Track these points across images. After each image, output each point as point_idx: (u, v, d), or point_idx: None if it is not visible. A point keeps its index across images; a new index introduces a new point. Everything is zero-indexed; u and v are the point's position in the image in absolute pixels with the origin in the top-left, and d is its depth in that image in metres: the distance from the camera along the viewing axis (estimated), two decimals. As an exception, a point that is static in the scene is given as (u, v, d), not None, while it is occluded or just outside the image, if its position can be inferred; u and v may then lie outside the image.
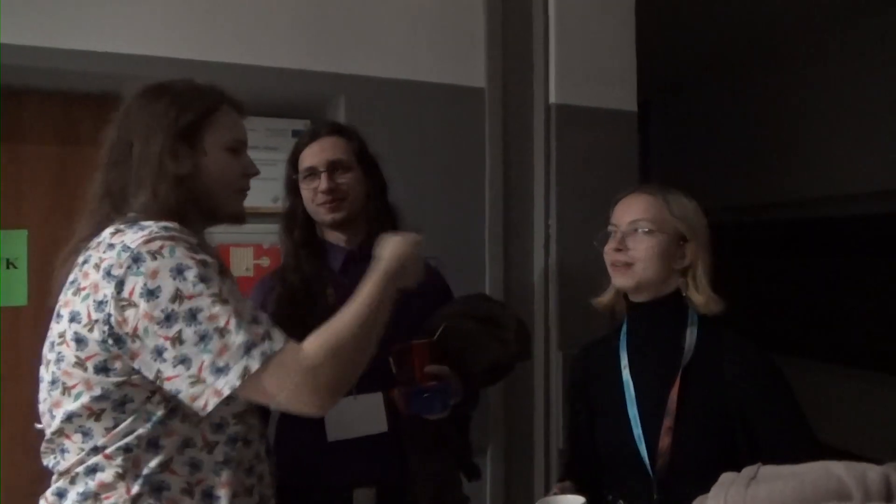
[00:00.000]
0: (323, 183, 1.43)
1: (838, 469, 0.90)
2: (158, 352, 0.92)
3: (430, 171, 1.58)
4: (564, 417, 1.97)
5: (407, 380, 1.33)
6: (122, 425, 0.96)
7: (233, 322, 0.93)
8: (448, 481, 1.52)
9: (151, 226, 0.97)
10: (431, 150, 1.62)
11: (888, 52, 3.76)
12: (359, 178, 1.47)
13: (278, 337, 0.97)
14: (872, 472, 0.88)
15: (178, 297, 0.92)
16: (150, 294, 0.92)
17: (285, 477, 1.29)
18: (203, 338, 0.92)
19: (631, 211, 1.32)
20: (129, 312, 0.92)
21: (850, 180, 3.99)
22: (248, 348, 0.93)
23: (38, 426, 1.04)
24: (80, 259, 1.01)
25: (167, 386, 0.94)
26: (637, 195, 1.34)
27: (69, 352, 0.96)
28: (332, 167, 1.45)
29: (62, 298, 1.00)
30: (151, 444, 0.97)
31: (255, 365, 0.93)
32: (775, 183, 4.49)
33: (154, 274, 0.92)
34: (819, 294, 4.33)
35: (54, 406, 0.98)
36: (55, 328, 0.99)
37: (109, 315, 0.92)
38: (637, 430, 1.27)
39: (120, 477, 0.96)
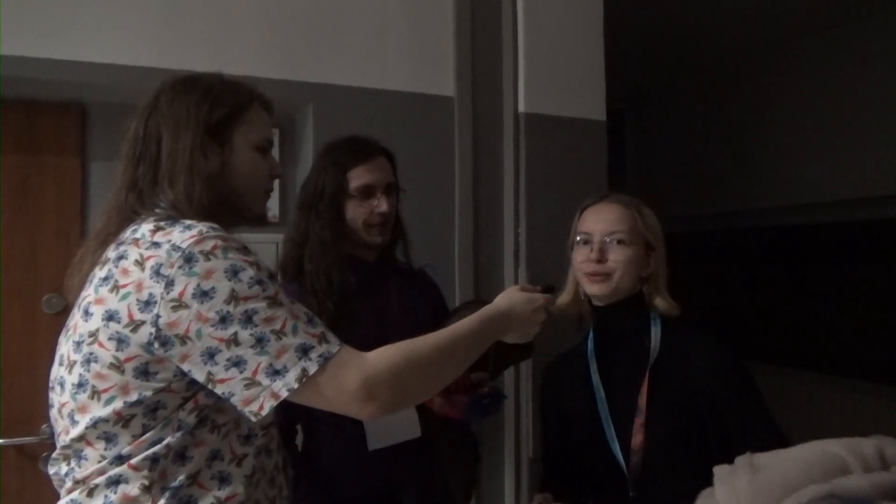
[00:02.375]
0: (383, 205, 1.45)
1: (835, 447, 0.95)
2: (210, 354, 0.89)
3: (399, 180, 1.58)
4: (535, 426, 1.97)
5: (455, 388, 1.36)
6: (150, 433, 0.92)
7: (289, 324, 0.92)
8: (474, 471, 1.67)
9: (199, 225, 0.94)
10: (400, 159, 1.62)
11: (854, 62, 3.85)
12: (398, 200, 1.53)
13: (334, 340, 0.95)
14: (866, 445, 0.94)
15: (233, 298, 0.90)
16: (204, 295, 0.89)
17: (325, 488, 1.34)
18: (260, 340, 0.90)
19: (605, 221, 1.36)
20: (181, 314, 0.89)
21: (817, 189, 4.06)
22: (305, 351, 0.91)
23: (45, 428, 0.99)
24: (113, 255, 0.96)
25: (219, 389, 0.91)
26: (609, 205, 1.38)
27: (105, 353, 0.91)
28: (389, 189, 1.48)
29: (91, 295, 0.95)
30: (179, 454, 0.93)
31: (313, 367, 0.91)
32: (745, 191, 4.55)
33: (208, 275, 0.90)
34: (790, 301, 4.39)
35: (79, 410, 0.93)
36: (83, 326, 0.94)
37: (158, 316, 0.89)
38: (610, 430, 1.31)
39: (146, 490, 0.91)
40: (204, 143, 1.03)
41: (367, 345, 0.97)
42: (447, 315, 1.44)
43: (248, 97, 1.10)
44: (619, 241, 1.34)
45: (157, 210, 1.00)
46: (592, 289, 1.36)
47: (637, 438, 1.27)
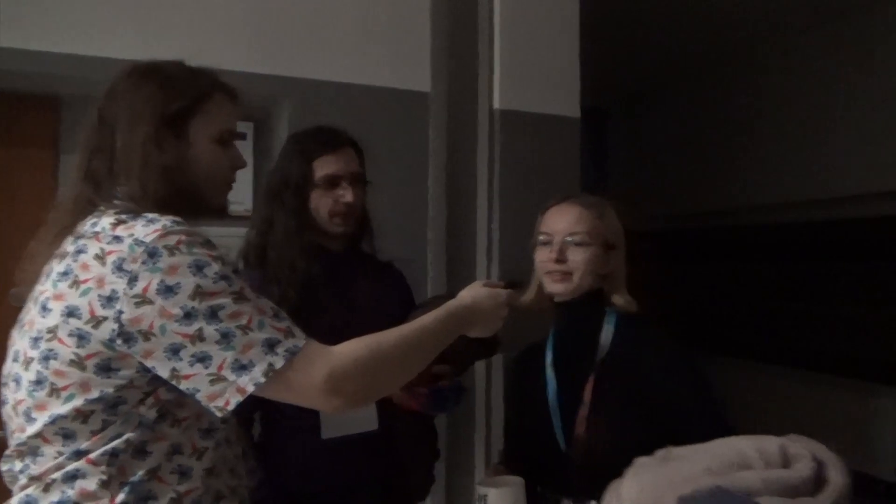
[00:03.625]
0: (348, 195, 1.46)
1: (741, 443, 1.00)
2: (175, 350, 0.88)
3: (373, 175, 1.59)
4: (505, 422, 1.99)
5: (417, 380, 1.37)
6: (110, 428, 0.91)
7: (255, 320, 0.91)
8: (431, 468, 1.66)
9: (162, 219, 0.93)
10: (375, 154, 1.63)
11: (836, 63, 3.89)
12: (363, 191, 1.52)
13: (300, 334, 0.95)
14: (770, 443, 0.99)
15: (198, 294, 0.89)
16: (169, 291, 0.88)
17: (281, 480, 1.34)
18: (225, 335, 0.89)
19: (566, 221, 1.39)
20: (145, 309, 0.87)
21: (800, 188, 4.11)
22: (271, 345, 0.91)
23: None
24: (71, 248, 0.94)
25: (183, 385, 0.90)
26: (570, 206, 1.42)
27: (65, 349, 0.89)
28: (355, 179, 1.48)
29: (48, 290, 0.93)
30: (139, 449, 0.92)
31: (279, 362, 0.90)
32: (728, 190, 4.60)
33: (173, 270, 0.88)
34: (768, 298, 4.45)
35: (36, 408, 0.91)
36: (40, 322, 0.92)
37: (121, 312, 0.88)
38: (557, 421, 1.35)
39: (104, 485, 0.90)
40: (160, 135, 1.00)
41: (331, 335, 0.98)
42: (414, 309, 1.46)
43: (210, 87, 1.07)
44: (579, 243, 1.37)
45: (115, 202, 0.98)
46: (553, 288, 1.40)
47: (579, 430, 1.32)
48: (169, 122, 1.01)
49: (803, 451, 0.99)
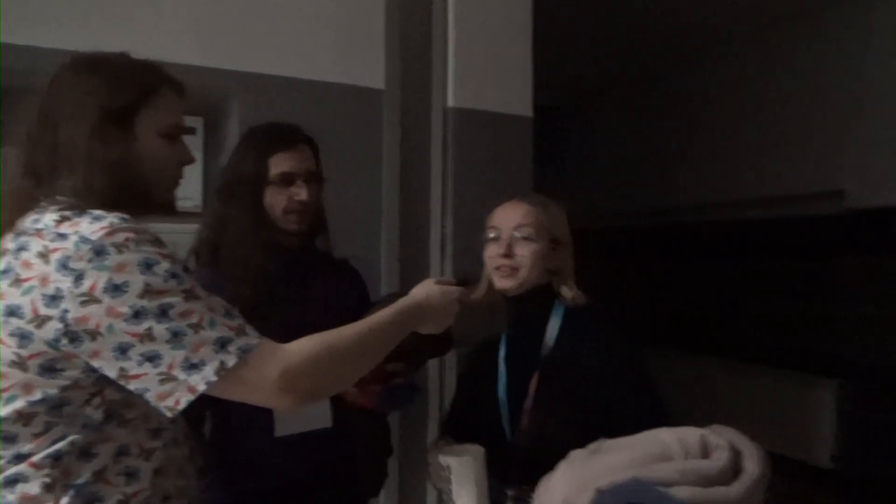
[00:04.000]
0: (303, 193, 1.44)
1: (664, 435, 1.05)
2: (123, 349, 0.86)
3: (326, 171, 1.58)
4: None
5: (370, 378, 1.37)
6: (54, 430, 0.88)
7: (207, 318, 0.90)
8: (384, 464, 1.68)
9: (109, 216, 0.90)
10: (327, 151, 1.61)
11: (780, 65, 4.03)
12: (318, 189, 1.51)
13: (253, 332, 0.93)
14: (692, 434, 1.04)
15: (147, 292, 0.87)
16: (117, 289, 0.86)
17: (233, 478, 1.34)
18: (176, 334, 0.87)
19: (513, 217, 1.43)
20: (91, 308, 0.85)
21: (743, 186, 4.25)
22: (223, 344, 0.89)
23: None
24: (11, 245, 0.91)
25: (132, 384, 0.88)
26: (516, 202, 1.46)
27: (5, 350, 0.87)
28: (310, 177, 1.46)
29: None
30: (84, 451, 0.90)
31: (231, 360, 0.89)
32: (675, 188, 4.73)
33: (121, 268, 0.86)
34: (714, 293, 4.59)
35: None
36: None
37: (66, 311, 0.85)
38: (505, 413, 1.39)
39: (48, 488, 0.88)
40: (105, 129, 0.97)
41: (286, 333, 0.98)
42: (369, 306, 1.46)
43: (156, 80, 1.04)
44: (526, 237, 1.41)
45: (57, 198, 0.96)
46: (501, 283, 1.43)
47: (524, 422, 1.36)
48: (114, 116, 0.99)
49: (722, 442, 1.05)
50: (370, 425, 1.57)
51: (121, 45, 1.13)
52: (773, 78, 4.03)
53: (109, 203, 0.95)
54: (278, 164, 1.44)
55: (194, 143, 1.95)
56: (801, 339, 4.02)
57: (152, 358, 0.87)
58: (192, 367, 0.88)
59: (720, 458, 1.01)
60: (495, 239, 1.44)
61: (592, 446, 1.10)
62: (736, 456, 1.04)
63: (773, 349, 4.15)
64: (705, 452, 1.04)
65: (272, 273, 1.41)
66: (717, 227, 4.60)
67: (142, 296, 0.87)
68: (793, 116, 3.91)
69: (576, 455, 1.10)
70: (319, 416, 1.43)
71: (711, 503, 0.95)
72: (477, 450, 1.25)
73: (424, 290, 1.21)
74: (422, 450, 2.07)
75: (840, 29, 3.68)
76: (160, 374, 0.87)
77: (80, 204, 0.94)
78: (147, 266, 0.88)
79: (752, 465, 1.03)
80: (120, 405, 0.93)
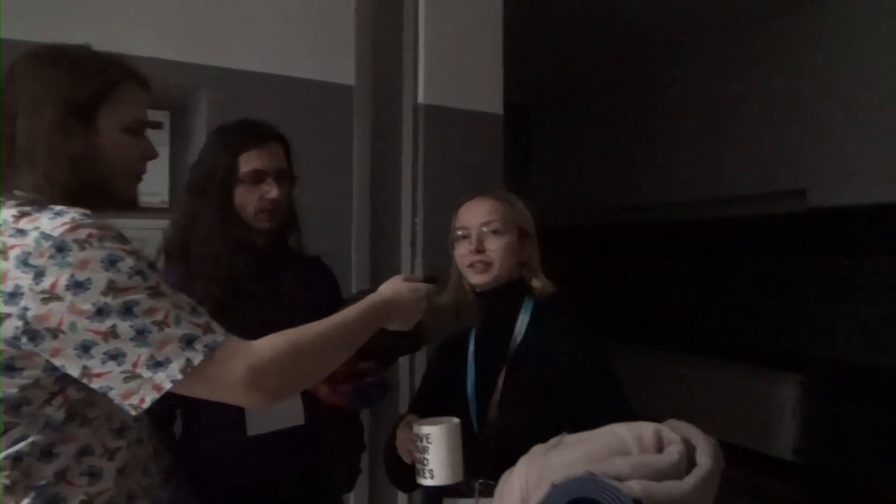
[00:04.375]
0: (274, 191, 1.43)
1: (621, 430, 1.08)
2: (86, 347, 0.85)
3: (296, 168, 1.57)
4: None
5: (342, 377, 1.37)
6: (13, 431, 0.86)
7: (172, 315, 0.89)
8: (358, 460, 1.69)
9: (70, 212, 0.88)
10: (297, 147, 1.60)
11: (735, 69, 4.12)
12: (289, 187, 1.50)
13: (219, 329, 0.93)
14: (647, 429, 1.07)
15: (111, 289, 0.85)
16: (79, 286, 0.84)
17: (204, 476, 1.33)
18: (140, 332, 0.86)
19: (480, 213, 1.45)
20: (53, 306, 0.84)
21: (705, 186, 4.32)
22: (189, 341, 0.88)
23: None
24: None
25: (95, 383, 0.86)
26: (481, 199, 1.49)
27: None
28: (281, 175, 1.45)
29: None
30: (45, 451, 0.88)
31: (198, 357, 0.88)
32: (639, 187, 4.80)
33: (83, 265, 0.85)
34: (680, 290, 4.67)
35: None
36: None
37: (26, 309, 0.84)
38: (472, 406, 1.41)
39: (8, 490, 0.86)
40: (66, 123, 0.96)
41: (256, 331, 0.97)
42: (341, 303, 1.45)
43: (120, 74, 1.02)
44: (495, 231, 1.43)
45: (16, 193, 0.94)
46: (475, 279, 1.44)
47: (492, 414, 1.38)
48: (75, 109, 0.97)
49: (676, 437, 1.08)
50: (343, 422, 1.57)
51: (83, 37, 1.11)
52: (738, 79, 4.11)
53: (70, 198, 0.94)
54: (248, 162, 1.43)
55: (161, 138, 1.92)
56: (765, 335, 4.11)
57: (116, 356, 0.86)
58: (157, 364, 0.87)
59: (673, 453, 1.04)
60: (464, 237, 1.46)
61: (553, 441, 1.13)
62: (690, 450, 1.07)
63: (738, 345, 4.23)
64: (660, 447, 1.07)
65: (242, 272, 1.40)
66: (683, 225, 4.68)
67: (105, 293, 0.86)
68: (757, 117, 3.99)
69: (536, 450, 1.12)
70: (292, 414, 1.43)
71: (664, 496, 0.97)
72: (453, 419, 1.27)
73: (393, 286, 1.21)
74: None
75: (801, 32, 3.76)
76: (124, 372, 0.86)
77: (40, 199, 0.92)
78: (111, 263, 0.87)
79: (705, 459, 1.06)
80: (82, 404, 0.92)
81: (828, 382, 3.63)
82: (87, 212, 0.91)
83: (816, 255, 3.70)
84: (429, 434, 1.24)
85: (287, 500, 1.44)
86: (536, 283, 1.47)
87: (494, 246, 1.43)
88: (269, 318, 1.16)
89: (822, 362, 3.66)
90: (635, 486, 0.96)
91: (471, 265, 1.44)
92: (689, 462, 1.05)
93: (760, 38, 3.98)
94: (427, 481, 1.25)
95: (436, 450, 1.23)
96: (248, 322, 1.05)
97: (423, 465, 1.24)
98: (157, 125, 1.94)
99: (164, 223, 1.76)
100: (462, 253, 1.46)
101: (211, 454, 1.40)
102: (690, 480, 1.01)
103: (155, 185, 1.91)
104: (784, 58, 3.85)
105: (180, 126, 2.02)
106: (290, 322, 1.01)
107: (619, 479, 0.98)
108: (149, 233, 1.73)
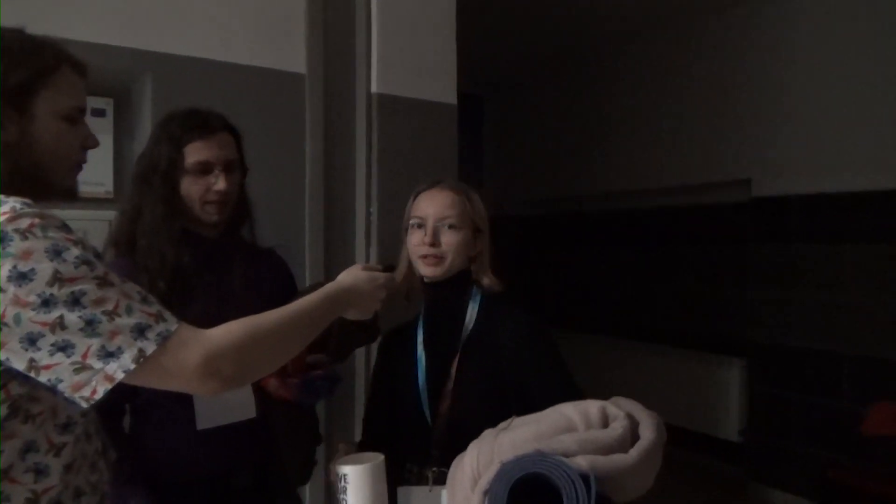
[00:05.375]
0: (221, 183, 1.39)
1: (567, 409, 1.12)
2: (32, 340, 0.82)
3: (247, 158, 1.53)
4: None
5: (291, 370, 1.35)
6: None
7: (122, 305, 0.86)
8: (311, 454, 1.67)
9: (10, 201, 0.85)
10: (248, 136, 1.56)
11: (683, 60, 4.20)
12: (240, 178, 1.47)
13: (171, 318, 0.91)
14: (593, 406, 1.12)
15: (57, 280, 0.83)
16: (23, 277, 0.81)
17: (153, 470, 1.31)
18: (90, 322, 0.84)
19: (438, 206, 1.44)
20: None
21: (655, 176, 4.42)
22: (141, 330, 0.86)
23: None
24: None
25: (43, 376, 0.83)
26: (441, 191, 1.47)
27: None
28: (229, 166, 1.41)
29: None
30: None
31: (150, 347, 0.86)
32: (591, 177, 4.87)
33: (26, 255, 0.82)
34: (628, 278, 4.76)
35: None
36: None
37: None
38: (423, 396, 1.43)
39: None
40: None
41: (206, 323, 0.95)
42: (295, 295, 1.44)
43: (55, 59, 0.99)
44: (451, 226, 1.43)
45: None
46: (426, 271, 1.45)
47: (444, 404, 1.39)
48: (9, 95, 0.94)
49: (620, 413, 1.12)
50: (296, 415, 1.55)
51: (17, 20, 1.06)
52: (684, 70, 4.20)
53: (5, 188, 0.90)
54: (194, 153, 1.39)
55: (104, 126, 1.86)
56: (710, 321, 4.23)
57: (65, 347, 0.84)
58: (108, 355, 0.85)
59: (617, 428, 1.08)
60: (420, 227, 1.45)
61: (503, 424, 1.15)
62: (634, 425, 1.11)
63: (684, 331, 4.36)
64: (605, 423, 1.10)
65: (189, 265, 1.38)
66: (630, 214, 4.78)
67: (51, 283, 0.83)
68: (703, 107, 4.09)
69: (486, 433, 1.14)
70: (243, 407, 1.41)
71: (611, 469, 1.01)
72: (376, 457, 1.22)
73: (351, 275, 1.21)
74: (348, 437, 2.06)
75: (746, 23, 3.87)
76: (74, 363, 0.84)
77: None
78: (56, 253, 0.85)
79: (648, 432, 1.10)
80: (25, 400, 0.89)
81: (770, 366, 3.76)
82: (28, 201, 0.88)
83: (759, 243, 3.82)
84: (346, 474, 1.18)
85: (239, 494, 1.42)
86: (486, 281, 1.48)
87: (449, 240, 1.43)
88: (220, 310, 1.14)
89: (764, 347, 3.79)
90: (582, 462, 0.99)
91: (423, 256, 1.44)
92: (633, 436, 1.09)
93: (708, 29, 4.08)
94: None
95: (353, 490, 1.18)
96: (198, 315, 1.03)
97: None
98: (100, 112, 1.88)
99: (108, 214, 1.71)
100: (416, 242, 1.46)
101: (161, 448, 1.37)
102: (634, 453, 1.05)
103: (99, 174, 1.85)
104: (729, 49, 3.96)
105: (125, 114, 1.96)
106: (241, 314, 1.00)
107: (567, 455, 1.01)
108: (92, 224, 1.68)
